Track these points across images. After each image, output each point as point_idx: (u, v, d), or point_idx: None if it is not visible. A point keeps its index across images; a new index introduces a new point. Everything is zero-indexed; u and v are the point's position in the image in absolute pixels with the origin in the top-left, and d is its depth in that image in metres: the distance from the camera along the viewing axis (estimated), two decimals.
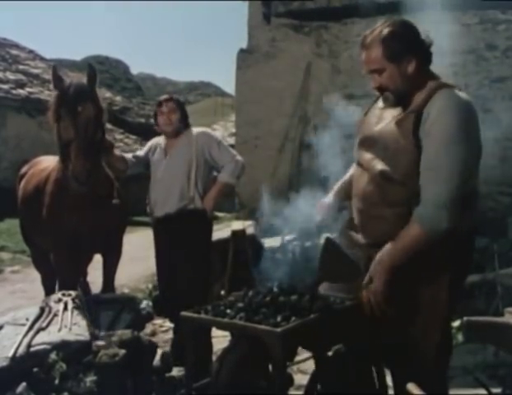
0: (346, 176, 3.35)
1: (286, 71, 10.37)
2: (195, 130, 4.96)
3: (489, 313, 5.20)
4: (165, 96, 5.06)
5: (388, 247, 2.74)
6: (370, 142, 2.96)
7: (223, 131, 23.06)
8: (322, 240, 3.09)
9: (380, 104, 3.05)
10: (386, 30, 2.79)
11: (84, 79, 4.73)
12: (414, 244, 2.70)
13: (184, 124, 4.95)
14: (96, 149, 4.62)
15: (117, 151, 5.07)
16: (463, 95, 2.74)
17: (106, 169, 4.93)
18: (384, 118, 2.93)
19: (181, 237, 4.70)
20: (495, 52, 9.69)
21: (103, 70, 37.98)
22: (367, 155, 2.96)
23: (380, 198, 2.85)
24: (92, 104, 4.64)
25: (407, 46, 2.79)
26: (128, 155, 5.16)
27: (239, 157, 4.92)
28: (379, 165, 2.85)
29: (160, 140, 5.09)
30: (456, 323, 4.80)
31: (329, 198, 3.32)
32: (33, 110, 18.09)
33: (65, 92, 4.62)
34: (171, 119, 4.87)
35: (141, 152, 5.22)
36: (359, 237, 3.03)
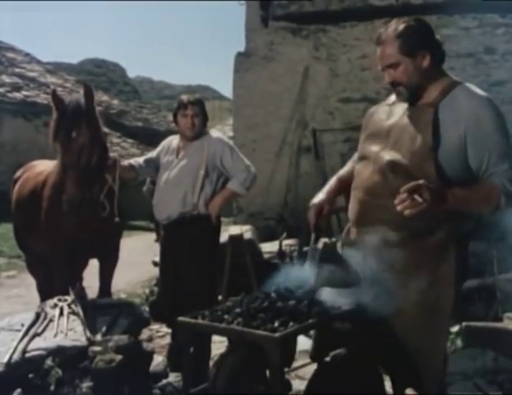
0: (340, 172, 3.37)
1: (283, 74, 10.35)
2: (211, 135, 4.85)
3: (488, 319, 5.18)
4: (189, 97, 4.87)
5: (461, 189, 2.72)
6: (379, 136, 3.01)
7: (221, 135, 23.04)
8: (320, 245, 3.06)
9: (389, 101, 3.12)
10: (402, 26, 2.86)
11: (82, 99, 4.66)
12: (490, 197, 2.72)
13: (204, 128, 4.87)
14: (93, 174, 4.58)
15: (125, 161, 4.99)
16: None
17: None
18: (395, 113, 3.00)
19: (184, 243, 4.64)
20: (494, 55, 9.71)
21: (100, 73, 37.91)
22: (374, 148, 3.00)
23: (384, 189, 2.87)
24: (87, 128, 4.56)
25: (422, 41, 2.86)
26: (140, 160, 5.06)
27: (252, 168, 4.79)
28: (388, 156, 2.90)
29: (173, 140, 4.98)
30: (455, 329, 4.78)
31: (320, 197, 3.27)
32: (29, 114, 18.11)
33: (62, 115, 4.57)
34: (195, 123, 4.73)
35: (153, 153, 5.10)
36: (354, 232, 3.05)
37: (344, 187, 3.29)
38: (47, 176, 5.13)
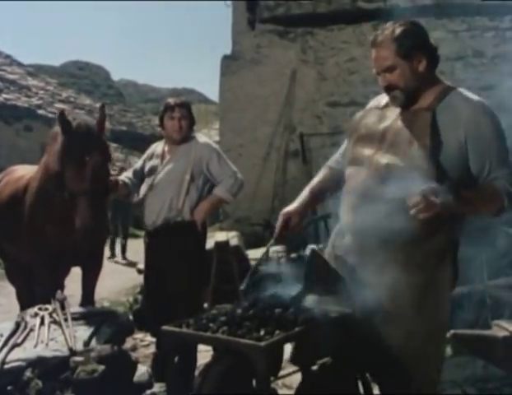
0: (312, 182, 3.35)
1: (270, 77, 10.34)
2: (198, 140, 4.80)
3: (478, 326, 5.14)
4: (176, 100, 4.85)
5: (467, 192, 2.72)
6: (372, 139, 2.96)
7: (208, 139, 23.00)
8: (307, 252, 3.02)
9: (378, 104, 3.09)
10: (399, 29, 2.85)
11: (90, 121, 4.56)
12: (495, 199, 2.72)
13: (191, 132, 4.82)
14: (103, 199, 4.51)
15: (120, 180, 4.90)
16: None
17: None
18: (388, 117, 2.97)
19: (169, 250, 4.59)
20: (483, 59, 9.76)
21: (83, 76, 37.73)
22: (367, 151, 2.96)
23: (381, 193, 2.80)
24: (99, 153, 4.42)
25: (419, 44, 2.86)
26: (130, 174, 5.00)
27: (239, 175, 4.76)
28: (384, 159, 2.86)
29: (158, 146, 4.95)
30: None
31: (294, 206, 3.23)
32: (9, 117, 17.89)
33: (72, 139, 4.38)
34: (182, 126, 4.70)
35: (138, 164, 5.06)
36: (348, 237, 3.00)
37: (317, 198, 3.32)
38: (28, 181, 5.03)
